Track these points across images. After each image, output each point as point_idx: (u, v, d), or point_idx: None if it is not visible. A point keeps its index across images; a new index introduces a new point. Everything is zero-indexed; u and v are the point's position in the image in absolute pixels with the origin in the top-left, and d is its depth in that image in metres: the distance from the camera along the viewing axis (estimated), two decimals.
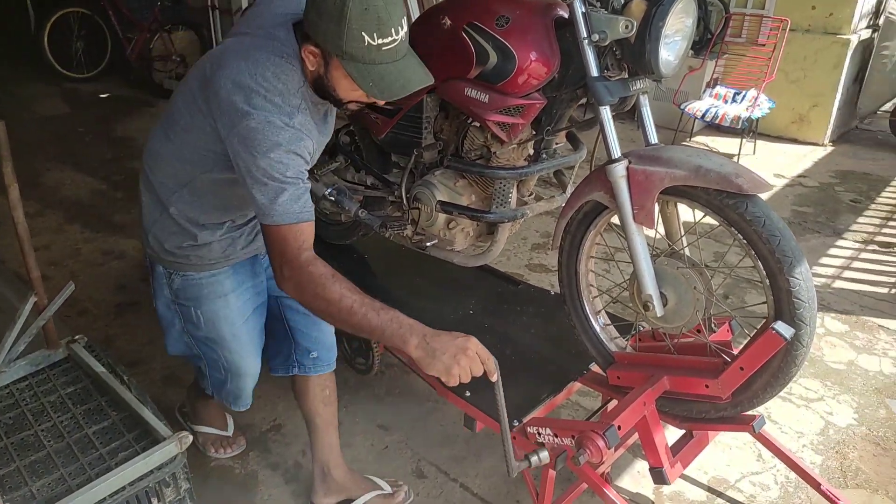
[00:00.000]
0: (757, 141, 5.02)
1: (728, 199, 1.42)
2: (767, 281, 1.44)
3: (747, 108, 4.48)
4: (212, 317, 1.64)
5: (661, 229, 1.73)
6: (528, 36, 1.53)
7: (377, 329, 1.27)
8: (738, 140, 4.82)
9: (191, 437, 1.42)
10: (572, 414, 2.35)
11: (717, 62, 4.94)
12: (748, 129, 4.83)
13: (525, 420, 1.74)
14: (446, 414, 2.30)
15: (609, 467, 1.96)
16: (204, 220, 1.55)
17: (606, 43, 1.44)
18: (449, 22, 1.63)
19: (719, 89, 4.79)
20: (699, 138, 5.24)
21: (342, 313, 1.28)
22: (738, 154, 4.74)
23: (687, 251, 1.65)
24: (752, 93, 4.62)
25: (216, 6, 5.88)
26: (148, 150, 1.55)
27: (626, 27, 1.41)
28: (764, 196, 1.46)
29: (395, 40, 1.26)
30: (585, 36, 1.45)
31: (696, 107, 4.60)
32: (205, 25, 5.94)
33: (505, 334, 2.15)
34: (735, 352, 1.60)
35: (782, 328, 1.40)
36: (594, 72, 1.47)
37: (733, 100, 4.68)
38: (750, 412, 1.63)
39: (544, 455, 1.55)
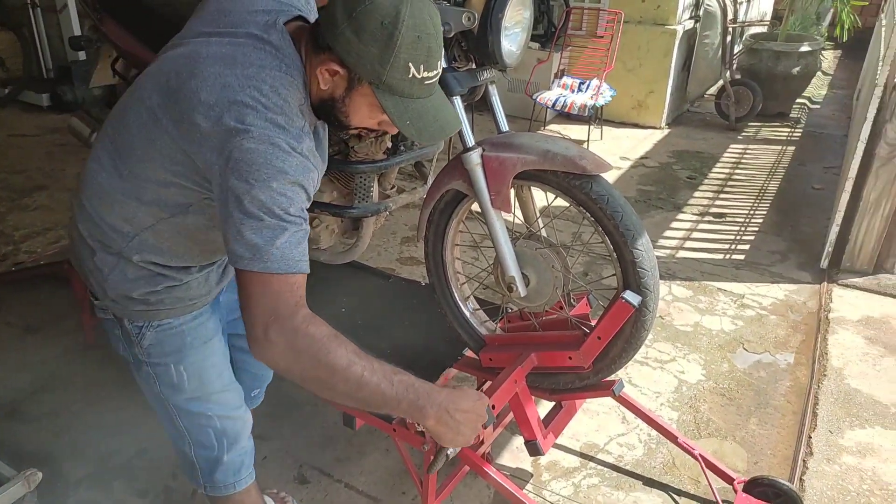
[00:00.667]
0: (603, 127, 5.37)
1: (575, 181, 1.51)
2: (615, 254, 1.54)
3: (592, 97, 4.78)
4: (198, 370, 1.36)
5: (520, 213, 1.81)
6: None
7: (391, 401, 1.11)
8: (587, 127, 5.12)
9: (40, 475, 1.30)
10: None
11: (562, 54, 5.22)
12: (594, 116, 5.16)
13: None
14: (326, 417, 2.27)
15: (489, 447, 2.02)
16: (176, 264, 1.29)
17: (451, 35, 1.48)
18: None
19: (566, 79, 5.06)
20: (552, 126, 5.52)
21: (349, 383, 1.08)
22: (587, 140, 5.04)
23: (544, 232, 1.73)
24: (595, 82, 4.92)
25: (38, 4, 5.35)
26: (88, 185, 1.24)
27: (469, 19, 1.45)
28: (609, 176, 1.56)
29: (437, 74, 1.13)
30: None
31: (547, 97, 4.83)
32: (25, 25, 5.39)
33: (379, 329, 2.15)
34: (593, 323, 1.71)
35: (630, 296, 1.52)
36: (443, 63, 1.50)
37: (579, 89, 4.97)
38: (610, 378, 1.75)
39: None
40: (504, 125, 1.71)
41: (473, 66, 1.60)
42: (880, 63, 2.98)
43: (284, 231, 1.05)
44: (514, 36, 1.54)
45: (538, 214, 1.79)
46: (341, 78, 1.11)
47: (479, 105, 1.79)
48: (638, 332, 1.59)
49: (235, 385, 1.45)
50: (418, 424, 1.68)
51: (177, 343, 1.33)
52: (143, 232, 1.23)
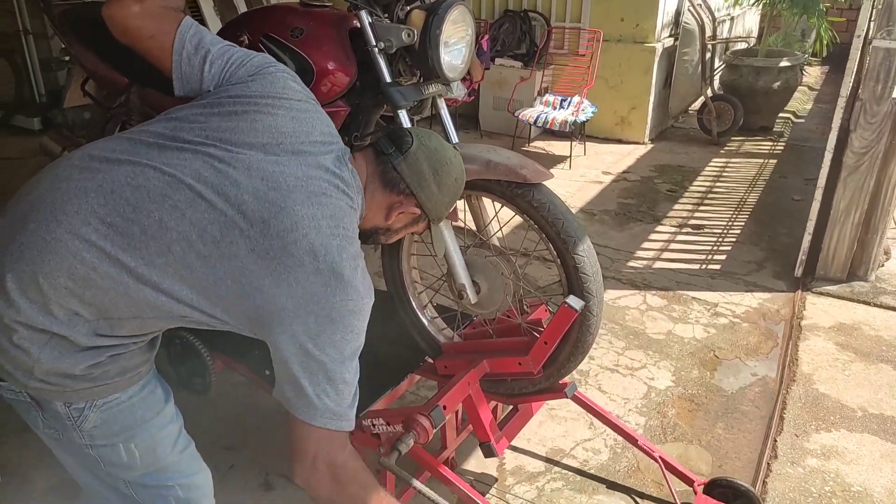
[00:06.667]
0: (587, 143, 5.44)
1: (517, 189, 1.56)
2: (558, 260, 1.59)
3: (573, 113, 4.86)
4: (150, 443, 1.20)
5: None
6: (322, 46, 1.60)
7: None
8: (570, 143, 5.20)
9: None
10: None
11: (543, 72, 5.32)
12: (577, 132, 5.23)
13: (361, 415, 1.79)
14: None
15: (452, 452, 2.05)
16: (127, 335, 1.12)
17: (393, 50, 1.54)
18: (247, 38, 1.66)
19: (548, 97, 5.15)
20: (537, 143, 5.59)
21: None
22: (570, 155, 5.10)
23: (495, 240, 1.78)
24: (576, 99, 5.01)
25: (30, 31, 5.47)
26: (49, 257, 1.02)
27: (409, 35, 1.52)
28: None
29: None
30: (374, 44, 1.54)
31: (528, 113, 4.91)
32: (17, 51, 5.51)
33: None
34: None
35: (573, 301, 1.56)
36: (387, 77, 1.57)
37: (561, 106, 5.05)
38: (563, 380, 1.79)
39: (409, 441, 1.59)
40: (454, 137, 1.77)
41: (418, 81, 1.66)
42: (845, 75, 3.05)
43: (354, 392, 1.16)
44: (456, 52, 1.60)
45: (486, 223, 1.84)
46: (411, 216, 1.31)
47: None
48: (583, 337, 1.63)
49: (191, 446, 1.31)
50: (373, 427, 1.73)
51: (127, 420, 1.16)
52: (108, 320, 1.07)
